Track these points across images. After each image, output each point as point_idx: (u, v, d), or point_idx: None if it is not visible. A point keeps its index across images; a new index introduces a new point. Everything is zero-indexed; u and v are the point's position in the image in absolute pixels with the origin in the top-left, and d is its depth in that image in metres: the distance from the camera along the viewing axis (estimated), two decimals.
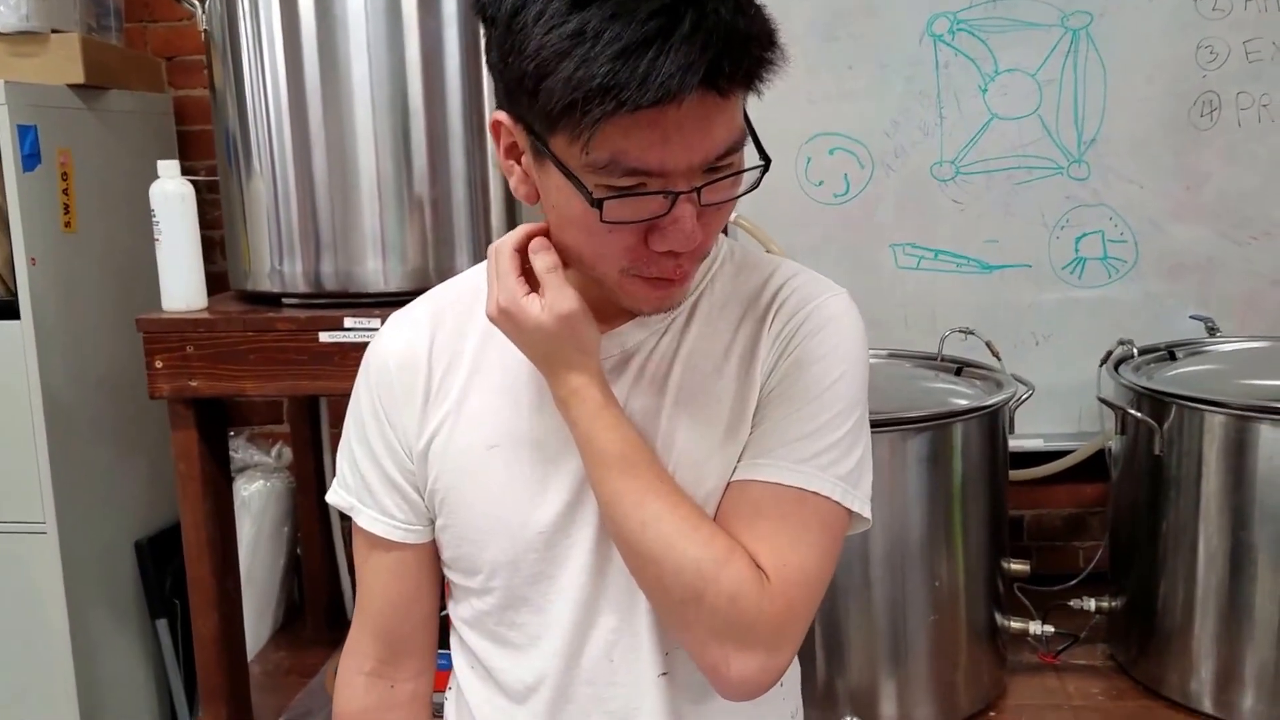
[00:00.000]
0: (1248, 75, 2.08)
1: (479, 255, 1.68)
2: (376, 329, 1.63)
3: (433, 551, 1.08)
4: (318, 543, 2.31)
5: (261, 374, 1.66)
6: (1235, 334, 2.09)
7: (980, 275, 2.22)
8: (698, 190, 0.85)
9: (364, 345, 1.77)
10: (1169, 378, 1.85)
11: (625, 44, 0.79)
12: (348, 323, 1.66)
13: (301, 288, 1.70)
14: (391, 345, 1.06)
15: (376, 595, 1.10)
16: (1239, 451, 1.67)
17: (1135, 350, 1.93)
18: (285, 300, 1.72)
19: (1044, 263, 2.21)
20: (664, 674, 1.02)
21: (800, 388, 0.98)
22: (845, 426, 0.97)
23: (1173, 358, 1.95)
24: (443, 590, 1.14)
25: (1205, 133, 2.12)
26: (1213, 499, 1.71)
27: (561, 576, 1.01)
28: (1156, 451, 1.74)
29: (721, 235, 1.05)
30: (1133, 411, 1.77)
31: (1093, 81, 2.12)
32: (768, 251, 1.94)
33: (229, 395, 1.67)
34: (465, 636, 1.09)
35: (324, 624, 2.36)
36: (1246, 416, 1.66)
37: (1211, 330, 2.06)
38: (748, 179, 0.89)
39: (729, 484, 0.97)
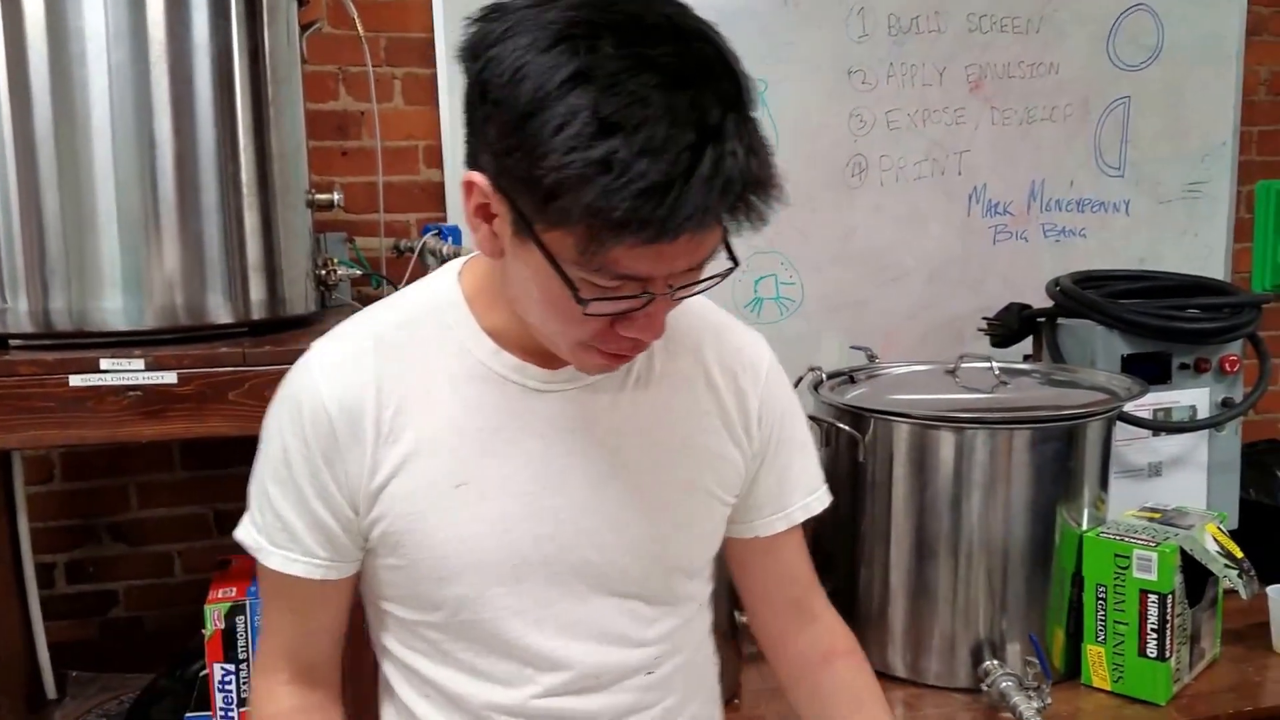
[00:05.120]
0: (889, 141, 2.48)
1: (232, 292, 1.64)
2: (139, 369, 1.53)
3: (351, 583, 1.10)
4: (14, 618, 2.09)
5: None
6: (883, 361, 2.46)
7: None
8: (673, 290, 0.92)
9: (124, 389, 1.62)
10: (859, 395, 2.15)
11: (650, 183, 0.79)
12: (104, 364, 1.51)
13: (27, 327, 1.55)
14: (329, 389, 1.01)
15: (287, 627, 1.11)
16: (922, 455, 1.98)
17: (824, 375, 2.22)
18: (12, 342, 1.57)
19: (730, 302, 2.47)
20: (649, 673, 1.11)
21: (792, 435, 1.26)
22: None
23: (853, 381, 2.27)
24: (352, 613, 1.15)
25: (856, 191, 2.49)
26: (902, 497, 2.01)
27: (532, 610, 1.05)
28: (860, 459, 2.02)
29: None
30: (840, 425, 2.05)
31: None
32: None
33: None
34: (418, 667, 1.10)
35: (22, 709, 2.13)
36: (928, 425, 1.97)
37: (871, 358, 2.42)
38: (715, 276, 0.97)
39: (764, 537, 1.27)
